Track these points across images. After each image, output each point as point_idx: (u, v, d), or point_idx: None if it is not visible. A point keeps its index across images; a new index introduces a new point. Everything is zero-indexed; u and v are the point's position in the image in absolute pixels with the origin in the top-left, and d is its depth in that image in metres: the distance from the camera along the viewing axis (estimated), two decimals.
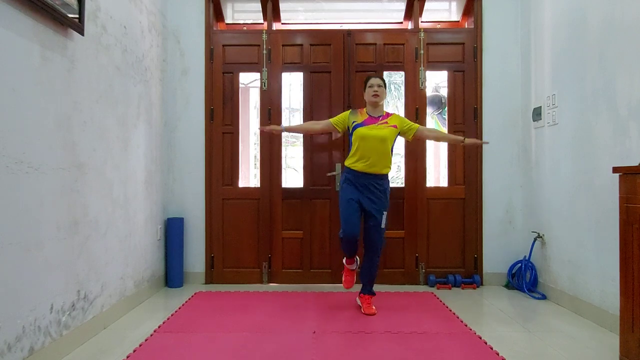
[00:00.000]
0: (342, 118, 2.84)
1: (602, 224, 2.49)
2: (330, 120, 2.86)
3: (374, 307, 2.73)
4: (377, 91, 2.75)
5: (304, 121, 3.50)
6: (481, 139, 3.45)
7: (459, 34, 3.58)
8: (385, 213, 2.75)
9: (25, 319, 1.77)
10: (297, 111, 6.12)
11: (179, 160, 3.51)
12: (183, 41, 3.52)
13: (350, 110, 2.89)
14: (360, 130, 2.72)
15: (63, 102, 2.05)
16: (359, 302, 2.84)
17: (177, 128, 3.51)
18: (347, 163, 2.79)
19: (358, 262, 2.93)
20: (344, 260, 2.91)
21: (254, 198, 3.55)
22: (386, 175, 2.78)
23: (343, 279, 2.95)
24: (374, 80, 2.79)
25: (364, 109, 2.84)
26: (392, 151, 2.79)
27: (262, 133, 3.48)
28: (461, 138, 2.87)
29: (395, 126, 2.76)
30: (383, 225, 2.74)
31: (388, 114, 2.83)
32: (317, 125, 2.94)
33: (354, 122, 2.78)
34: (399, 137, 2.83)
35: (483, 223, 3.50)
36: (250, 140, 5.19)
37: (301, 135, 3.59)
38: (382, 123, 2.75)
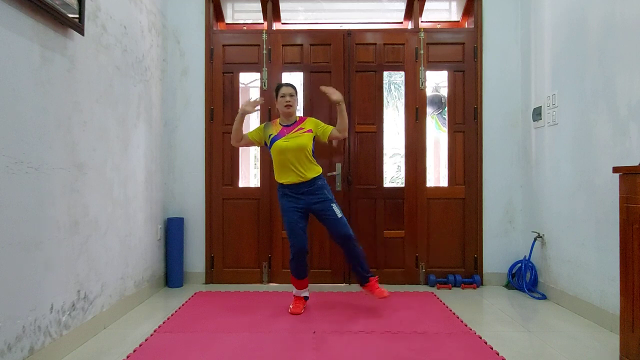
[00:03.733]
0: (257, 131, 2.78)
1: (602, 224, 2.49)
2: (246, 133, 2.78)
3: (384, 289, 2.67)
4: (289, 101, 2.69)
5: None
6: (481, 139, 3.49)
7: (459, 34, 3.58)
8: (334, 205, 2.67)
9: (25, 319, 1.77)
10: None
11: (179, 160, 3.52)
12: (183, 41, 3.52)
13: (265, 123, 2.85)
14: (276, 144, 2.66)
15: (63, 102, 2.05)
16: (366, 292, 2.73)
17: (177, 128, 3.51)
18: (276, 178, 2.75)
19: (308, 293, 2.81)
20: (293, 292, 2.77)
21: (254, 198, 3.55)
22: (316, 177, 2.69)
23: (292, 305, 2.73)
24: (286, 90, 2.71)
25: (277, 120, 2.79)
26: (313, 154, 2.72)
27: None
28: (341, 108, 2.66)
29: (310, 130, 2.71)
30: (339, 216, 2.65)
31: (302, 119, 2.78)
32: (242, 137, 2.76)
33: (270, 135, 2.72)
34: (316, 139, 2.75)
35: (483, 223, 3.50)
36: None
37: None
38: (297, 130, 2.70)
